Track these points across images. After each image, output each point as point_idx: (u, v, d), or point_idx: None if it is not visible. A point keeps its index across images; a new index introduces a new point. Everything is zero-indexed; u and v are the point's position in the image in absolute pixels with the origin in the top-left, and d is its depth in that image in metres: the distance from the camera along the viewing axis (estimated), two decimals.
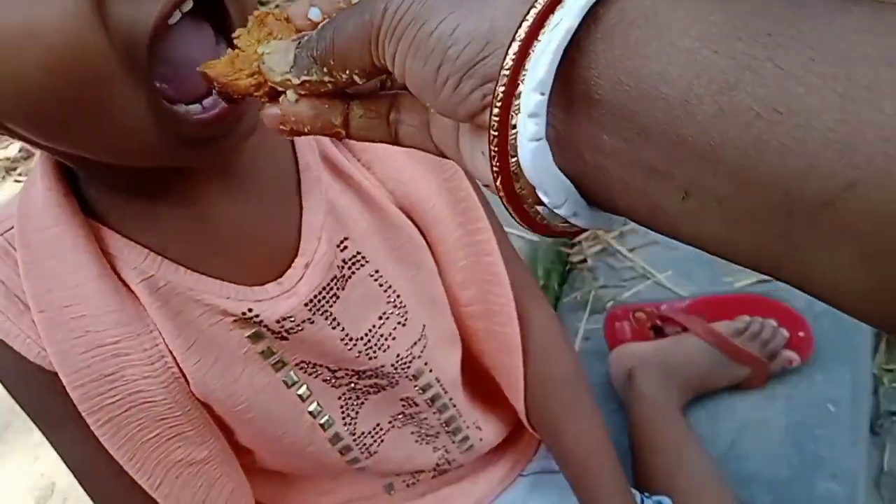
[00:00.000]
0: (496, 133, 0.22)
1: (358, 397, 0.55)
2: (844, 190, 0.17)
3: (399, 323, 0.54)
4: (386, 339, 0.53)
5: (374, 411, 0.57)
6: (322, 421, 0.54)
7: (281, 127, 0.29)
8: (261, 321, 0.47)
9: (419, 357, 0.55)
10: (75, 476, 0.51)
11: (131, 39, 0.33)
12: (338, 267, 0.50)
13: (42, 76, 0.32)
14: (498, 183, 0.23)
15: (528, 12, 0.21)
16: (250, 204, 0.47)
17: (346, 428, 0.55)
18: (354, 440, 0.56)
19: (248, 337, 0.48)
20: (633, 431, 0.96)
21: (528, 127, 0.22)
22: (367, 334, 0.52)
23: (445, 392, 0.59)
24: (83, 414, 0.46)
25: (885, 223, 0.17)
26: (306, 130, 0.29)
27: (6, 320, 0.45)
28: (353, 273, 0.51)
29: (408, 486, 0.64)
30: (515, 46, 0.21)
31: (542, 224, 0.25)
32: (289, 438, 0.53)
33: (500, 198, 0.24)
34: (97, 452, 0.47)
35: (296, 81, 0.27)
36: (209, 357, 0.47)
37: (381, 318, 0.53)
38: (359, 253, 0.51)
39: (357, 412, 0.56)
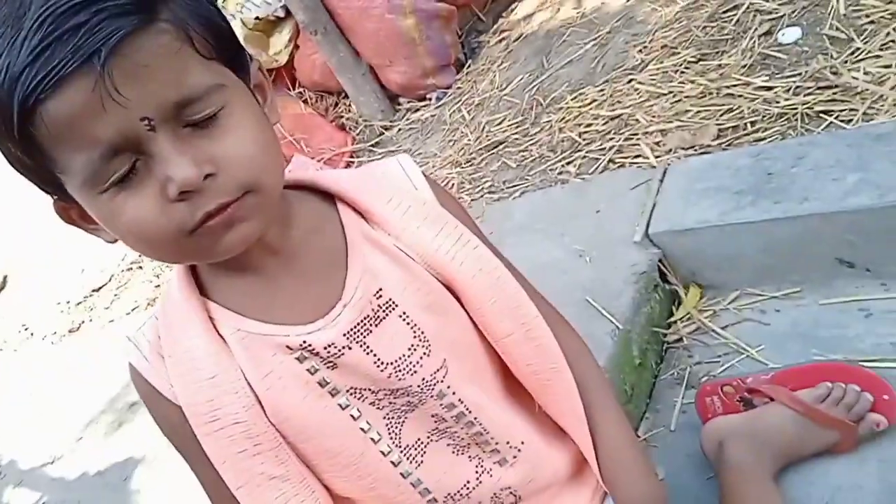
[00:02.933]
0: None
1: (399, 416, 0.71)
2: None
3: (424, 353, 0.70)
4: (413, 366, 0.69)
5: (414, 428, 0.72)
6: (372, 436, 0.70)
7: None
8: (313, 349, 0.66)
9: (442, 381, 0.71)
10: (204, 489, 0.71)
11: (184, 224, 0.56)
12: (372, 309, 0.67)
13: (133, 237, 0.58)
14: None
15: None
16: (306, 270, 0.67)
17: (392, 441, 0.71)
18: (402, 452, 0.71)
19: (308, 370, 0.67)
20: (723, 497, 1.02)
21: None
22: (397, 360, 0.69)
23: (469, 412, 0.73)
24: (194, 429, 0.65)
25: None
26: None
27: (152, 370, 0.68)
28: (386, 314, 0.68)
29: None
30: None
31: None
32: (347, 452, 0.69)
33: None
34: (211, 468, 0.66)
35: None
36: (278, 386, 0.66)
37: (409, 349, 0.69)
38: (391, 300, 0.68)
39: (400, 429, 0.71)
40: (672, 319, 1.41)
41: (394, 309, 0.69)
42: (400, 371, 0.69)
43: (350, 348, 0.67)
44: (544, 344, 0.76)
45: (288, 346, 0.66)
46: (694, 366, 1.31)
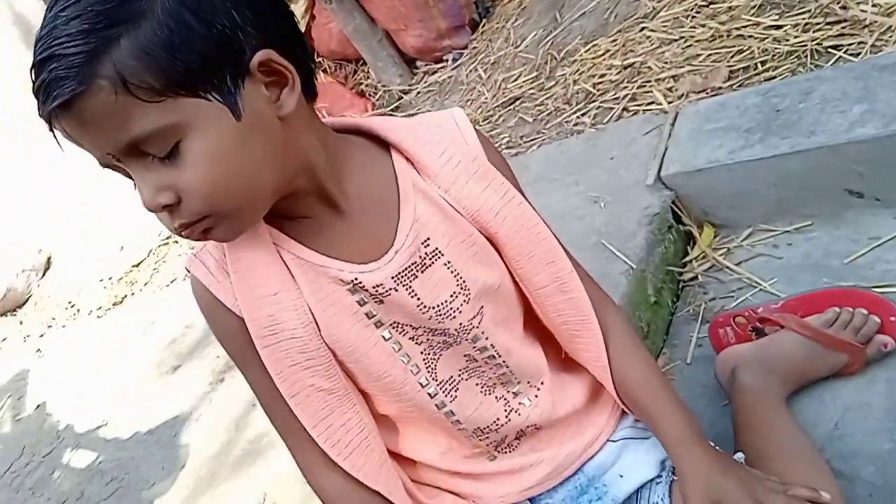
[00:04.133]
0: None
1: (434, 353, 0.77)
2: None
3: (464, 301, 0.75)
4: (453, 311, 0.75)
5: (447, 365, 0.78)
6: (411, 368, 0.76)
7: None
8: (363, 286, 0.72)
9: (477, 327, 0.77)
10: (257, 398, 0.77)
11: (171, 226, 0.62)
12: (419, 256, 0.73)
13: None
14: None
15: None
16: (361, 217, 0.72)
17: (429, 374, 0.77)
18: (438, 385, 0.78)
19: (357, 301, 0.73)
20: (735, 420, 1.07)
21: None
22: (439, 305, 0.74)
23: (499, 355, 0.79)
24: (254, 339, 0.70)
25: None
26: None
27: (218, 284, 0.73)
28: (432, 262, 0.74)
29: (504, 453, 0.84)
30: None
31: None
32: (388, 378, 0.75)
33: None
34: (268, 378, 0.73)
35: None
36: (331, 311, 0.72)
37: (451, 296, 0.75)
38: (437, 249, 0.74)
39: (435, 364, 0.77)
40: (687, 259, 1.45)
41: (439, 257, 0.74)
42: (441, 315, 0.75)
43: (397, 290, 0.73)
44: (575, 298, 0.81)
45: (341, 279, 0.72)
46: (709, 302, 1.35)
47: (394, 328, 0.75)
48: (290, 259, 0.72)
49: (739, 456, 0.87)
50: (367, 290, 0.72)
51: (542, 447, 0.86)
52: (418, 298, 0.74)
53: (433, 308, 0.74)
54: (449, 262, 0.74)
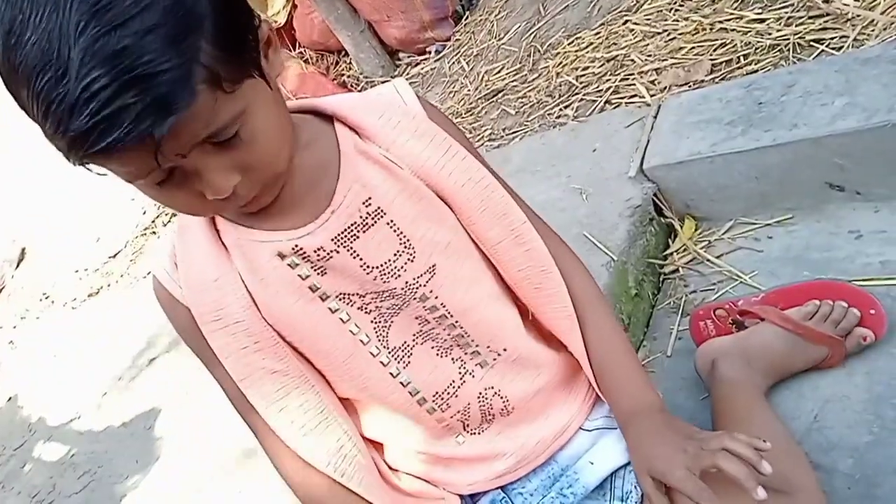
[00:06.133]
0: None
1: (385, 320, 0.76)
2: None
3: (409, 259, 0.74)
4: (398, 270, 0.74)
5: (400, 330, 0.77)
6: (361, 338, 0.75)
7: None
8: (304, 253, 0.71)
9: (425, 286, 0.76)
10: (224, 393, 0.77)
11: (224, 210, 0.65)
12: (360, 217, 0.72)
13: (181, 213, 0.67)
14: None
15: None
16: (301, 182, 0.71)
17: (380, 342, 0.76)
18: (390, 353, 0.77)
19: (299, 276, 0.72)
20: (714, 412, 1.06)
21: None
22: (382, 265, 0.73)
23: (451, 315, 0.78)
24: (201, 327, 0.71)
25: None
26: None
27: (169, 278, 0.74)
28: (375, 222, 0.73)
29: (472, 434, 0.83)
30: None
31: None
32: (338, 353, 0.75)
33: None
34: (222, 365, 0.73)
35: None
36: (272, 289, 0.72)
37: (394, 254, 0.74)
38: (379, 208, 0.72)
39: (387, 332, 0.76)
40: (668, 251, 1.44)
41: (381, 217, 0.73)
42: (385, 274, 0.74)
43: (338, 252, 0.72)
44: (533, 248, 0.80)
45: (280, 253, 0.71)
46: (689, 294, 1.35)
47: (340, 299, 0.74)
48: (231, 241, 0.72)
49: None
50: (308, 259, 0.72)
51: (511, 433, 0.84)
52: (361, 259, 0.73)
53: (377, 268, 0.74)
54: (392, 221, 0.74)
